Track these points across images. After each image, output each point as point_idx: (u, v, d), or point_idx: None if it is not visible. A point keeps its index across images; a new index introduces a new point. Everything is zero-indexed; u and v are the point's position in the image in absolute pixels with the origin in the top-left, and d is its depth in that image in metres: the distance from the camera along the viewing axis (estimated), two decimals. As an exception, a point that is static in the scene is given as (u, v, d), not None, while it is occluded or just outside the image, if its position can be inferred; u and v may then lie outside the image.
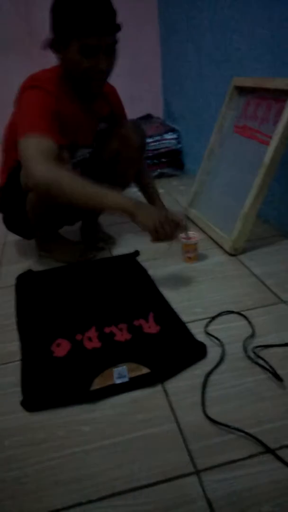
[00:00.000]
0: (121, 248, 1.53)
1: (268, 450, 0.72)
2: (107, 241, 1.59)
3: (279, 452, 0.71)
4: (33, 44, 2.31)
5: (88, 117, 1.33)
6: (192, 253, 1.37)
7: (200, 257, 1.41)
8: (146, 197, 1.64)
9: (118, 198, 1.10)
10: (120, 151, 1.40)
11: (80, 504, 0.66)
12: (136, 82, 2.59)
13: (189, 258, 1.37)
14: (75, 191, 1.08)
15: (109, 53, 1.16)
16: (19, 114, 1.19)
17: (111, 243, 1.58)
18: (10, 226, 1.48)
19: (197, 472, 0.70)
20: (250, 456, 0.71)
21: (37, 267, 1.43)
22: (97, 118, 1.38)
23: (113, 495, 0.67)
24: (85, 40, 1.09)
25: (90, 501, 0.67)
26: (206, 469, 0.70)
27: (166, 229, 1.07)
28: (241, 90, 1.57)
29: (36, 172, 1.08)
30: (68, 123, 1.23)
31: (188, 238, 1.33)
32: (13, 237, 1.57)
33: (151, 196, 1.63)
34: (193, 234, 1.36)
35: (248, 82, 1.51)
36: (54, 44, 1.16)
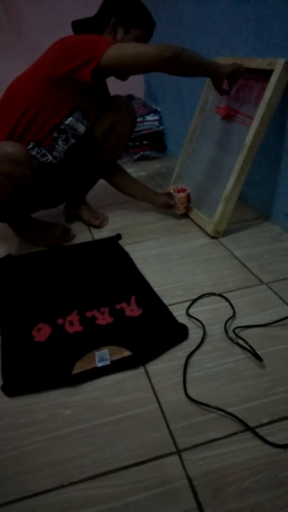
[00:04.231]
0: (104, 231, 1.52)
1: (248, 428, 0.73)
2: (101, 219, 1.57)
3: (258, 430, 0.73)
4: (8, 21, 2.22)
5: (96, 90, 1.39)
6: (186, 204, 1.52)
7: (182, 240, 1.41)
8: (128, 186, 1.62)
9: (211, 62, 1.28)
10: (114, 125, 1.46)
11: (62, 486, 0.67)
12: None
13: (184, 207, 1.53)
14: (194, 58, 1.20)
15: None
16: (75, 48, 1.16)
17: (106, 220, 1.59)
18: None
19: (178, 452, 0.70)
20: (230, 435, 0.73)
21: (16, 251, 1.40)
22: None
23: (95, 476, 0.68)
24: (145, 33, 1.35)
25: (72, 483, 0.67)
26: (187, 449, 0.71)
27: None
28: (223, 70, 1.55)
29: (162, 49, 1.12)
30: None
31: (181, 190, 1.50)
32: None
33: (136, 184, 1.61)
34: (182, 186, 1.53)
35: (229, 62, 1.48)
36: (117, 23, 1.31)
